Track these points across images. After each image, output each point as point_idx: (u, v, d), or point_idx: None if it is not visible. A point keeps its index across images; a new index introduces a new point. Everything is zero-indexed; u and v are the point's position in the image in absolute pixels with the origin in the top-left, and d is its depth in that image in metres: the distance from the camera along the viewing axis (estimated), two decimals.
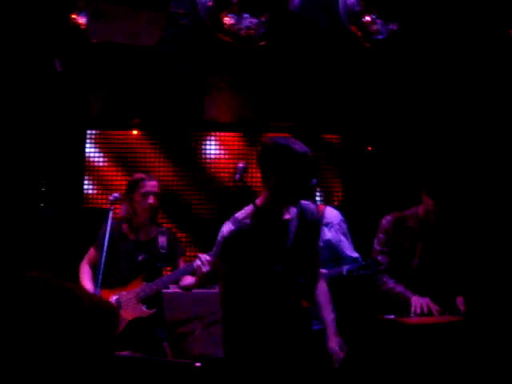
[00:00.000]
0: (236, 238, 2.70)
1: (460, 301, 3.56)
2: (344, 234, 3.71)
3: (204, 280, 3.45)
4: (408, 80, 4.94)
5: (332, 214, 3.73)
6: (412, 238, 3.76)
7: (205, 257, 3.46)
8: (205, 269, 3.40)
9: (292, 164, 2.67)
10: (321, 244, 3.74)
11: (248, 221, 2.72)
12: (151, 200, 3.80)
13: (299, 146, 2.71)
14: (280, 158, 2.68)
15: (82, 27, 3.17)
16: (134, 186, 3.85)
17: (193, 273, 3.61)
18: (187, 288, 3.60)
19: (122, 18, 2.67)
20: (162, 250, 3.83)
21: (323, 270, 3.24)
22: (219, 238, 2.77)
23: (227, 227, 2.74)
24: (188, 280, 3.65)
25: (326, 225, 3.70)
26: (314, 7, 3.88)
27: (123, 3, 2.61)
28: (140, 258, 3.81)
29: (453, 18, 4.17)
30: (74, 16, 3.36)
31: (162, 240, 3.86)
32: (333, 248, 3.68)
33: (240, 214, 2.78)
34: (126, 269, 3.77)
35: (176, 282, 3.68)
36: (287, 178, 2.69)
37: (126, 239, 3.83)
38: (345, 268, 3.69)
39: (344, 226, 3.78)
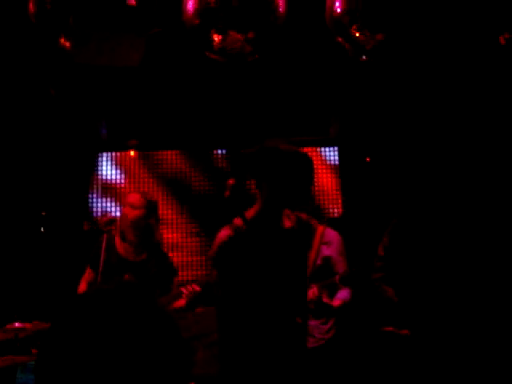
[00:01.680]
0: (232, 243, 2.67)
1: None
2: (341, 254, 3.77)
3: (193, 304, 3.45)
4: (404, 89, 4.94)
5: (332, 234, 3.80)
6: (414, 244, 3.72)
7: (193, 287, 3.49)
8: (188, 297, 3.42)
9: (281, 165, 2.61)
10: (318, 262, 3.78)
11: (245, 227, 2.65)
12: (133, 213, 3.77)
13: (287, 147, 2.65)
14: (268, 161, 2.63)
15: (68, 50, 3.20)
16: (123, 202, 3.93)
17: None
18: (178, 310, 3.58)
19: (105, 42, 2.69)
20: (151, 273, 3.82)
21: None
22: (215, 241, 2.73)
23: (224, 231, 2.70)
24: (180, 302, 3.63)
25: (326, 243, 3.75)
26: (302, 20, 3.89)
27: (105, 28, 2.63)
28: (127, 276, 3.79)
29: (443, 23, 4.17)
30: (62, 41, 3.38)
31: (153, 263, 3.85)
32: (329, 265, 3.74)
33: (237, 220, 2.74)
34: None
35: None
36: (278, 181, 2.62)
37: (118, 257, 3.80)
38: (337, 276, 3.71)
39: (342, 246, 3.83)
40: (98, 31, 2.60)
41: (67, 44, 3.05)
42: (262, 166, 2.66)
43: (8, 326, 3.34)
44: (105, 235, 3.49)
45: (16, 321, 3.34)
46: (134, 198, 3.89)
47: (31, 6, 3.31)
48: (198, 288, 3.36)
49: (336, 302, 3.85)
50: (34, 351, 3.75)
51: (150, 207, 3.90)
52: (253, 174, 2.72)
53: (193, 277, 5.29)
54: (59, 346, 0.95)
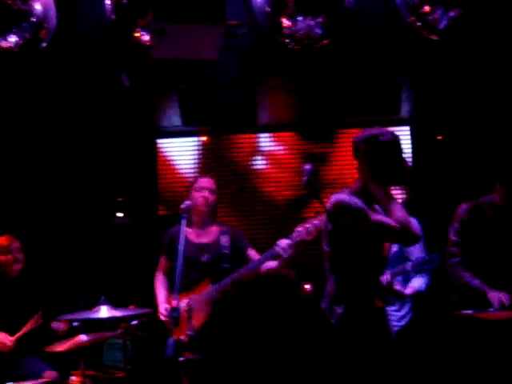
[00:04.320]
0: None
1: None
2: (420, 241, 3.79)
3: (287, 265, 3.54)
4: (476, 67, 4.78)
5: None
6: (490, 228, 3.63)
7: (285, 242, 3.56)
8: (286, 254, 3.50)
9: (377, 152, 2.82)
10: (394, 248, 3.79)
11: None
12: (205, 193, 3.88)
13: (385, 136, 2.85)
14: (367, 148, 2.84)
15: (145, 44, 3.29)
16: (191, 185, 4.01)
17: (273, 258, 3.66)
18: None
19: (182, 34, 2.75)
20: (225, 250, 3.88)
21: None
22: (338, 203, 2.82)
23: (342, 196, 2.86)
24: (270, 264, 3.68)
25: None
26: (371, 2, 3.84)
27: (181, 20, 2.69)
28: (203, 259, 3.88)
29: None
30: (137, 34, 3.48)
31: (225, 240, 3.91)
32: (405, 251, 3.80)
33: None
34: (193, 272, 3.83)
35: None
36: (375, 166, 2.83)
37: (190, 243, 3.88)
38: (408, 264, 3.70)
39: (419, 232, 3.84)
40: (174, 24, 2.67)
41: (145, 38, 3.16)
42: (362, 151, 2.86)
43: (95, 309, 3.51)
44: (183, 220, 3.56)
45: (103, 304, 3.51)
46: (211, 182, 3.99)
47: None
48: (290, 241, 3.54)
49: (408, 290, 3.84)
50: (119, 330, 3.96)
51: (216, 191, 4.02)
52: (355, 156, 2.93)
53: None
54: (220, 326, 1.03)
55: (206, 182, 3.99)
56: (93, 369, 4.25)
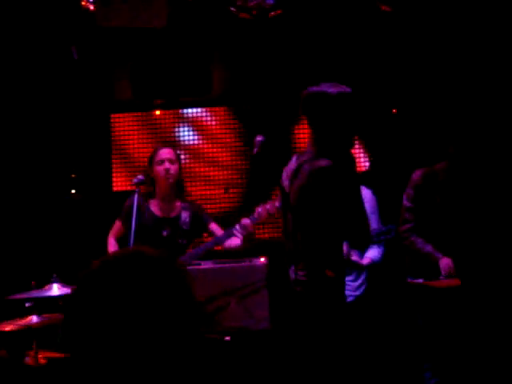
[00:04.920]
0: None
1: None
2: (373, 212, 3.87)
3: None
4: (429, 37, 4.82)
5: (365, 191, 3.79)
6: (443, 193, 3.62)
7: (245, 221, 3.63)
8: (245, 233, 3.60)
9: (327, 107, 2.72)
10: None
11: None
12: (166, 165, 3.79)
13: (334, 89, 2.74)
14: (314, 105, 2.75)
15: (92, 12, 3.19)
16: (150, 159, 3.89)
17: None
18: (234, 249, 3.69)
19: (128, 3, 2.67)
20: (184, 227, 3.85)
21: None
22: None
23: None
24: (234, 242, 3.71)
25: None
26: None
27: None
28: (164, 233, 3.84)
29: None
30: (83, 2, 3.37)
31: (185, 216, 3.87)
32: None
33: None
34: (151, 246, 3.78)
35: (198, 256, 3.72)
36: (325, 124, 2.75)
37: (152, 215, 3.84)
38: None
39: (374, 203, 4.00)
40: None
41: (90, 6, 3.05)
42: (310, 109, 2.78)
43: (47, 287, 3.44)
44: (136, 194, 3.51)
45: (54, 281, 3.44)
46: (169, 152, 3.88)
47: None
48: (249, 222, 3.58)
49: (365, 261, 3.89)
50: None
51: (180, 159, 3.96)
52: (303, 115, 2.85)
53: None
54: (79, 308, 1.02)
55: (165, 152, 3.87)
56: (48, 349, 4.17)
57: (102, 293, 1.01)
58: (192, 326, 1.05)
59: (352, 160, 2.86)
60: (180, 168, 3.91)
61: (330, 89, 2.74)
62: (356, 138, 2.89)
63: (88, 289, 1.03)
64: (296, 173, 2.77)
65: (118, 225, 3.97)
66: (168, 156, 3.84)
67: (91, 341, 0.99)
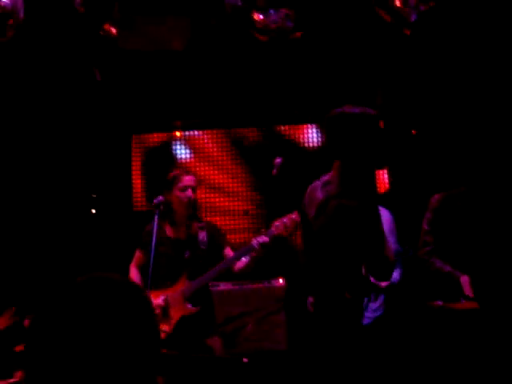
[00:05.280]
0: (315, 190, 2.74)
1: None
2: (391, 233, 3.78)
3: (259, 258, 3.55)
4: (449, 61, 4.82)
5: (383, 212, 3.77)
6: (461, 217, 3.60)
7: (262, 238, 3.57)
8: (261, 250, 3.53)
9: (351, 127, 2.67)
10: None
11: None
12: (189, 193, 3.82)
13: (358, 109, 2.70)
14: (335, 127, 2.72)
15: (114, 37, 3.25)
16: (171, 182, 3.90)
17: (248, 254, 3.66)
18: (242, 270, 3.67)
19: (150, 26, 2.72)
20: (202, 246, 3.86)
21: None
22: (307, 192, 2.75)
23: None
24: (241, 263, 3.69)
25: None
26: None
27: (150, 13, 2.66)
28: (186, 255, 3.85)
29: None
30: (106, 27, 3.44)
31: (202, 236, 3.88)
32: None
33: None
34: (170, 268, 3.80)
35: (216, 277, 3.71)
36: (346, 145, 2.69)
37: (168, 239, 3.87)
38: None
39: (392, 223, 3.93)
40: (142, 17, 2.64)
41: (113, 30, 3.11)
42: (331, 132, 2.74)
43: None
44: (156, 219, 3.55)
45: None
46: (193, 180, 3.91)
47: None
48: (266, 239, 3.47)
49: (383, 282, 3.85)
50: None
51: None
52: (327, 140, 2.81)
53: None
54: (40, 332, 1.05)
55: (189, 180, 3.88)
56: None
57: (63, 316, 1.05)
58: (151, 346, 1.08)
59: (375, 196, 2.84)
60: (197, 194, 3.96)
61: (354, 109, 2.73)
62: (382, 158, 2.83)
63: (50, 313, 1.07)
64: (324, 206, 2.76)
65: (138, 254, 4.00)
66: (192, 184, 3.88)
67: (52, 365, 1.02)
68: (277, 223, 3.60)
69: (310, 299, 2.84)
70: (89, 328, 1.02)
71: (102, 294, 1.08)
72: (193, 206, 3.88)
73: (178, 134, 5.57)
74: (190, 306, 3.72)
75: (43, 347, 1.03)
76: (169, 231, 3.89)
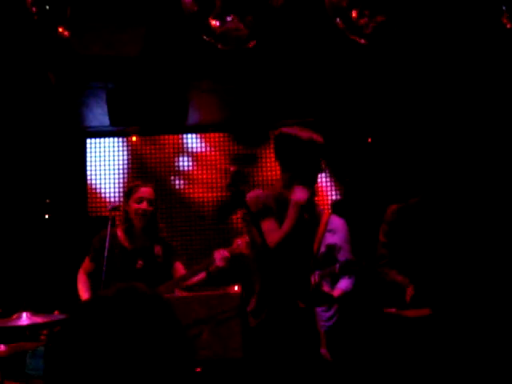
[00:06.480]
0: (263, 198, 2.80)
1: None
2: (346, 242, 3.91)
3: (215, 273, 3.51)
4: (406, 67, 4.91)
5: (337, 221, 3.84)
6: (416, 229, 3.70)
7: (222, 253, 3.52)
8: (220, 263, 3.47)
9: (298, 150, 2.78)
10: (322, 249, 3.82)
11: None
12: (144, 206, 3.75)
13: (305, 133, 2.81)
14: (286, 146, 2.81)
15: (67, 39, 3.19)
16: (128, 192, 3.84)
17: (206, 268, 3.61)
18: (196, 284, 3.63)
19: (104, 31, 2.68)
20: (158, 259, 3.82)
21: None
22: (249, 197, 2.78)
23: (255, 191, 2.85)
24: (199, 277, 3.63)
25: (330, 231, 3.79)
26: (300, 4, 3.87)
27: (105, 18, 2.62)
28: (137, 265, 3.79)
29: (444, 6, 4.14)
30: (60, 29, 3.37)
31: (157, 249, 3.84)
32: (333, 253, 3.80)
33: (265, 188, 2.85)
34: (121, 277, 3.73)
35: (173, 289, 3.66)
36: (294, 164, 2.80)
37: (121, 247, 3.80)
38: (337, 266, 3.76)
39: (346, 233, 4.02)
40: (95, 21, 2.59)
41: (65, 33, 3.05)
42: (281, 149, 2.85)
43: (15, 316, 3.37)
44: (108, 228, 3.49)
45: (24, 310, 3.37)
46: (149, 192, 3.81)
47: None
48: (227, 254, 3.44)
49: (336, 292, 3.90)
50: (42, 338, 3.80)
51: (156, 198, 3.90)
52: (275, 155, 2.91)
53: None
54: (66, 348, 1.00)
55: (145, 192, 3.79)
56: (14, 379, 4.06)
57: (93, 329, 1.00)
58: (185, 357, 1.03)
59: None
60: (156, 207, 3.88)
61: (302, 133, 2.81)
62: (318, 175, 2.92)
63: (78, 325, 1.02)
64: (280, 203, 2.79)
65: (87, 262, 3.92)
66: (148, 196, 3.80)
67: (80, 375, 0.97)
68: (239, 242, 3.58)
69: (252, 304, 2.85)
70: (123, 343, 0.97)
71: (136, 308, 1.02)
72: (149, 218, 3.81)
73: (134, 138, 5.51)
74: None
75: (72, 366, 0.98)
76: (124, 240, 3.83)
